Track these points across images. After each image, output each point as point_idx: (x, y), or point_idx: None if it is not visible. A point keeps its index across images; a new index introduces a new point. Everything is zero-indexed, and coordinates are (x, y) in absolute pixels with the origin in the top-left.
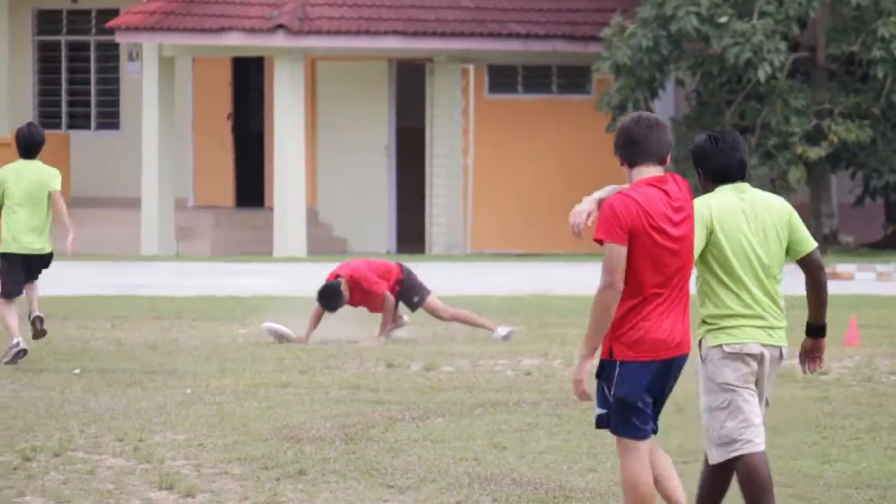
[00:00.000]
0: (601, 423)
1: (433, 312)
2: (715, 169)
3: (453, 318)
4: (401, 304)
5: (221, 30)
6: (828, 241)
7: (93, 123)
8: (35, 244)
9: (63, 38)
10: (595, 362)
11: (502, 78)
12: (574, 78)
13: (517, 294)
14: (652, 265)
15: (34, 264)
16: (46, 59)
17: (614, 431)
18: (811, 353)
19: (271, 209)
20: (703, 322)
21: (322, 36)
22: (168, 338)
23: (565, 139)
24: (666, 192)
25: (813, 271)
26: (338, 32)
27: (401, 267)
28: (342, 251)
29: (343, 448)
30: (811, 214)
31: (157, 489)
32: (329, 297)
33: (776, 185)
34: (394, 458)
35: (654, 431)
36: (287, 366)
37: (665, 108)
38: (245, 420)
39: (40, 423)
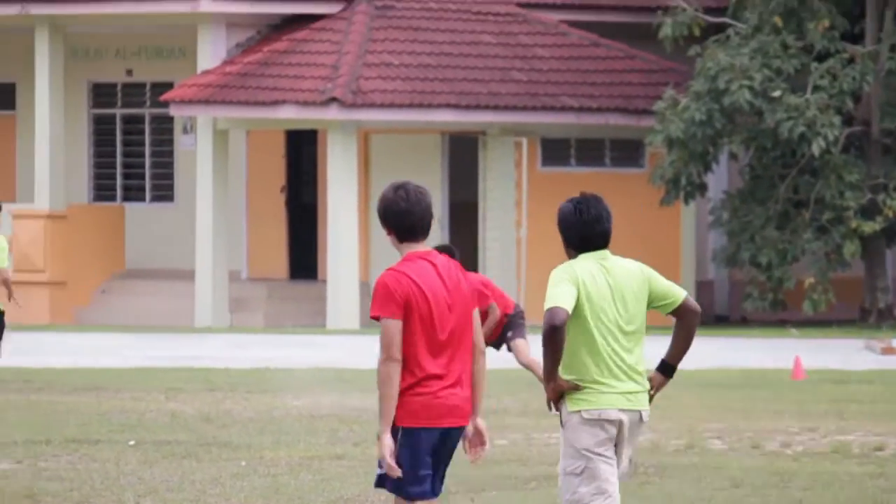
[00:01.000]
0: (380, 483)
1: (515, 350)
2: (578, 238)
3: (528, 364)
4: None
5: (275, 103)
6: (882, 316)
7: (147, 196)
8: None
9: (118, 111)
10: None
11: (555, 151)
12: (627, 151)
13: None
14: (427, 338)
15: None
16: (102, 131)
17: (393, 491)
18: (655, 390)
19: (324, 281)
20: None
21: (375, 109)
22: (222, 409)
23: (618, 212)
24: (434, 265)
25: (687, 316)
26: (391, 105)
27: (517, 305)
28: None
29: None
30: (866, 289)
31: None
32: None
33: (830, 259)
34: None
35: (436, 494)
36: (341, 438)
37: (718, 181)
38: (300, 492)
39: (96, 494)
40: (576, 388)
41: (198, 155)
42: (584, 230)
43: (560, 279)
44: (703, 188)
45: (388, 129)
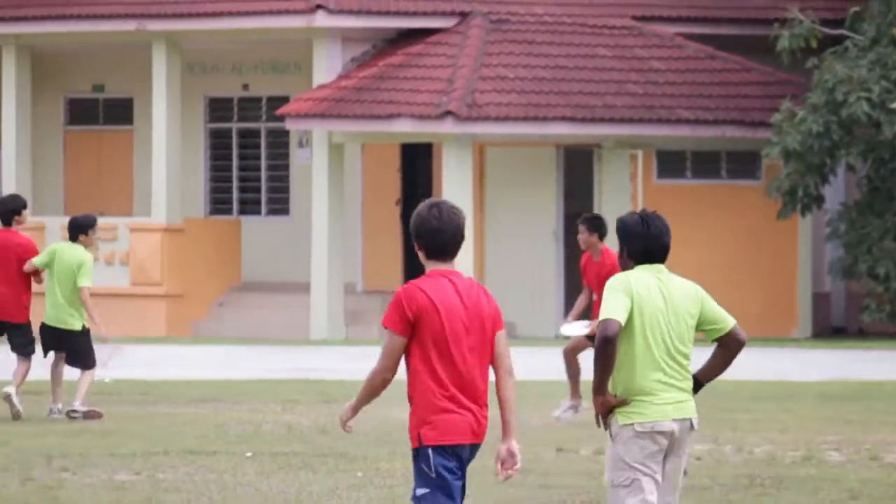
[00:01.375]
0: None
1: (574, 342)
2: (640, 250)
3: (569, 359)
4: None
5: (390, 116)
6: None
7: (263, 209)
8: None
9: (234, 126)
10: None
11: (671, 163)
12: (743, 163)
13: None
14: (441, 356)
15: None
16: (218, 145)
17: None
18: None
19: None
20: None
21: (490, 122)
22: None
23: (734, 225)
24: (454, 284)
25: (732, 344)
26: (506, 118)
27: None
28: (511, 336)
29: None
30: None
31: None
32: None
33: None
34: None
35: None
36: None
37: (836, 193)
38: None
39: None
40: (623, 403)
41: (313, 168)
42: (649, 242)
43: (615, 289)
44: (820, 200)
45: (503, 143)
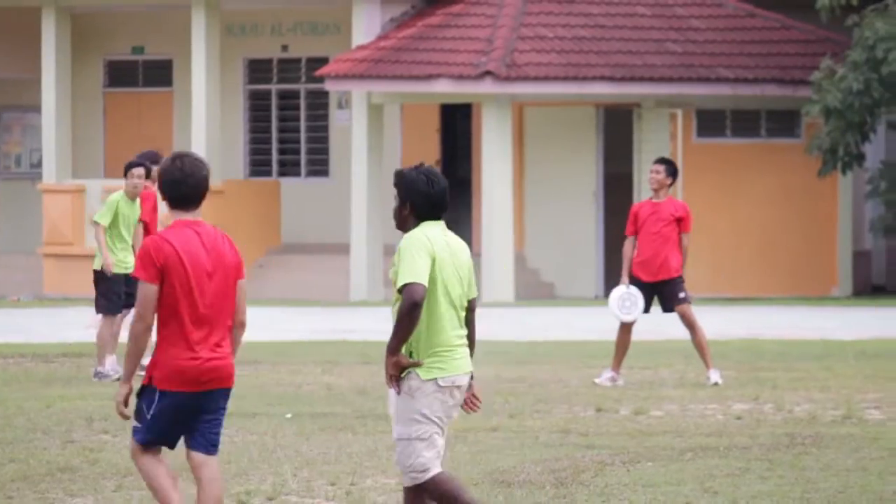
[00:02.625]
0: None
1: (686, 317)
2: (425, 207)
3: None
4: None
5: (430, 77)
6: None
7: (303, 171)
8: None
9: (273, 87)
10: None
11: (711, 122)
12: (783, 122)
13: (727, 338)
14: (189, 304)
15: None
16: (257, 107)
17: (141, 441)
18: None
19: (479, 255)
20: (410, 355)
21: (530, 82)
22: (378, 382)
23: (775, 183)
24: (199, 234)
25: (470, 315)
26: (545, 78)
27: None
28: (550, 296)
29: (554, 493)
30: None
31: None
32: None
33: None
34: (604, 503)
35: (209, 451)
36: (496, 410)
37: (876, 151)
38: (455, 464)
39: (253, 467)
40: (417, 364)
41: (352, 129)
42: (434, 199)
43: (418, 250)
44: (860, 158)
45: (542, 102)
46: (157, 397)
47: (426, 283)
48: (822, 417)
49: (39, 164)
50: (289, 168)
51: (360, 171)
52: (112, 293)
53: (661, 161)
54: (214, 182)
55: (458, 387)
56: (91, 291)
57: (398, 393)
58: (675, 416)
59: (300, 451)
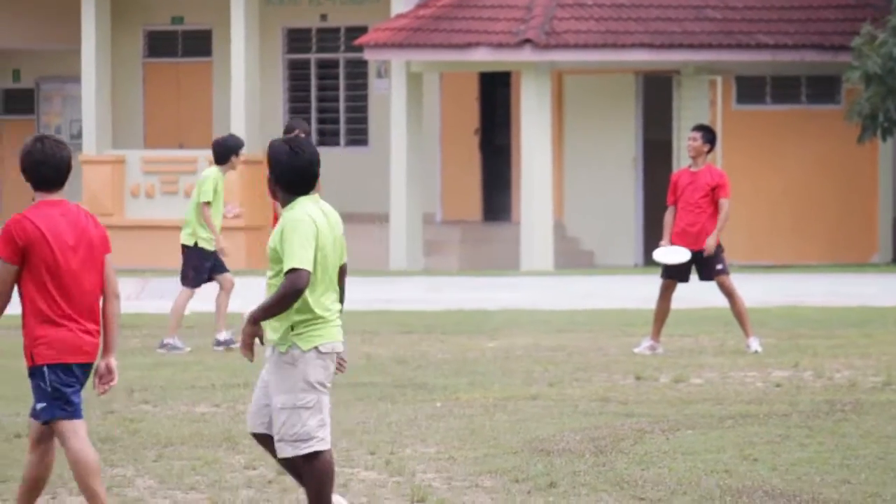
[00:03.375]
0: (35, 415)
1: (725, 286)
2: (291, 180)
3: (735, 297)
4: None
5: (469, 45)
6: None
7: (342, 140)
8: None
9: (312, 56)
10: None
11: (750, 89)
12: (823, 88)
13: (767, 305)
14: (55, 281)
15: None
16: (296, 76)
17: (42, 417)
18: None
19: (518, 223)
20: (291, 327)
21: (569, 50)
22: (417, 352)
23: (814, 149)
24: (62, 213)
25: (340, 279)
26: (584, 46)
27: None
28: (589, 265)
29: (593, 461)
30: None
31: (409, 502)
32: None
33: None
34: (644, 471)
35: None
36: (536, 378)
37: None
38: (495, 433)
39: None
40: (260, 339)
41: (392, 99)
42: (297, 170)
43: (304, 234)
44: None
45: (581, 70)
46: (47, 373)
47: (311, 270)
48: (861, 384)
49: (79, 135)
50: (328, 138)
51: (399, 140)
52: (203, 268)
53: (699, 128)
54: (254, 152)
55: (338, 353)
56: (133, 262)
57: (251, 360)
58: (714, 384)
59: (340, 420)
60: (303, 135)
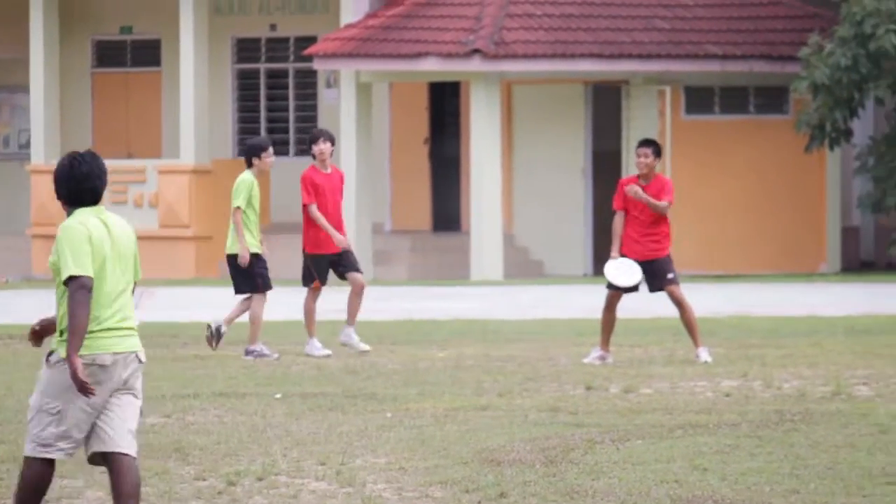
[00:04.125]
0: None
1: (674, 296)
2: (69, 193)
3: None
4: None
5: (418, 55)
6: None
7: (291, 149)
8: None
9: (262, 66)
10: None
11: (699, 99)
12: (771, 98)
13: (716, 315)
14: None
15: None
16: (246, 86)
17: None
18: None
19: (468, 233)
20: (61, 332)
21: (518, 60)
22: (367, 362)
23: (762, 159)
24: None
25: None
26: (533, 56)
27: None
28: (539, 274)
29: (543, 471)
30: None
31: None
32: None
33: None
34: (594, 481)
35: None
36: (486, 389)
37: (864, 127)
38: (445, 443)
39: (243, 447)
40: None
41: (341, 108)
42: (74, 185)
43: (79, 242)
44: (848, 134)
45: (530, 80)
46: None
47: (91, 274)
48: (811, 394)
49: (28, 145)
50: (277, 147)
51: (348, 150)
52: (266, 270)
53: (648, 143)
54: (203, 161)
55: (101, 366)
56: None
57: (91, 396)
58: (664, 394)
59: (290, 431)
60: (327, 143)
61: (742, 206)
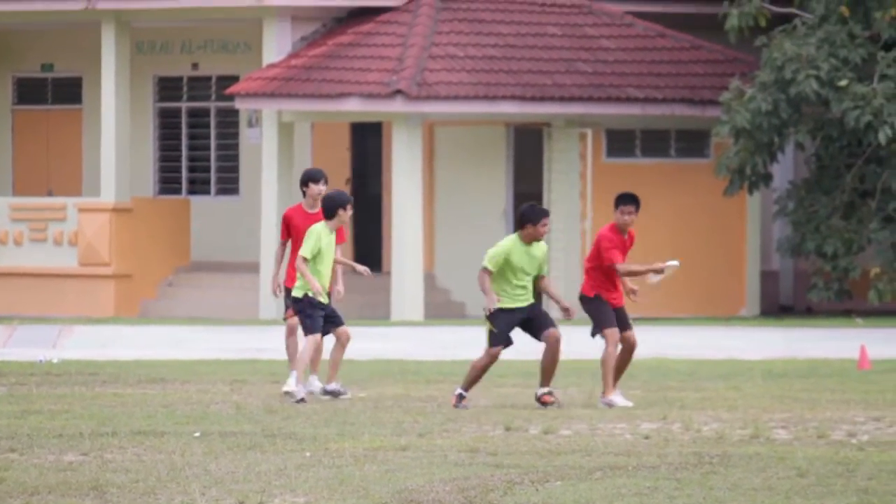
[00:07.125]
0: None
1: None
2: None
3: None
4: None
5: (340, 95)
6: None
7: (213, 189)
8: None
9: (184, 105)
10: None
11: (620, 142)
12: (692, 142)
13: (635, 357)
14: None
15: None
16: (167, 125)
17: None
18: None
19: (389, 273)
20: None
21: (440, 101)
22: (287, 401)
23: (683, 203)
24: None
25: None
26: (455, 97)
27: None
28: (460, 315)
29: None
30: None
31: None
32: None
33: None
34: None
35: None
36: (406, 429)
37: (784, 172)
38: (364, 483)
39: (161, 486)
40: None
41: (263, 148)
42: None
43: None
44: (768, 178)
45: (452, 122)
46: None
47: None
48: (729, 437)
49: None
50: (198, 186)
51: (270, 189)
52: (318, 314)
53: (631, 200)
54: (123, 200)
55: None
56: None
57: None
58: (583, 435)
59: (209, 469)
60: (321, 185)
61: (663, 250)
